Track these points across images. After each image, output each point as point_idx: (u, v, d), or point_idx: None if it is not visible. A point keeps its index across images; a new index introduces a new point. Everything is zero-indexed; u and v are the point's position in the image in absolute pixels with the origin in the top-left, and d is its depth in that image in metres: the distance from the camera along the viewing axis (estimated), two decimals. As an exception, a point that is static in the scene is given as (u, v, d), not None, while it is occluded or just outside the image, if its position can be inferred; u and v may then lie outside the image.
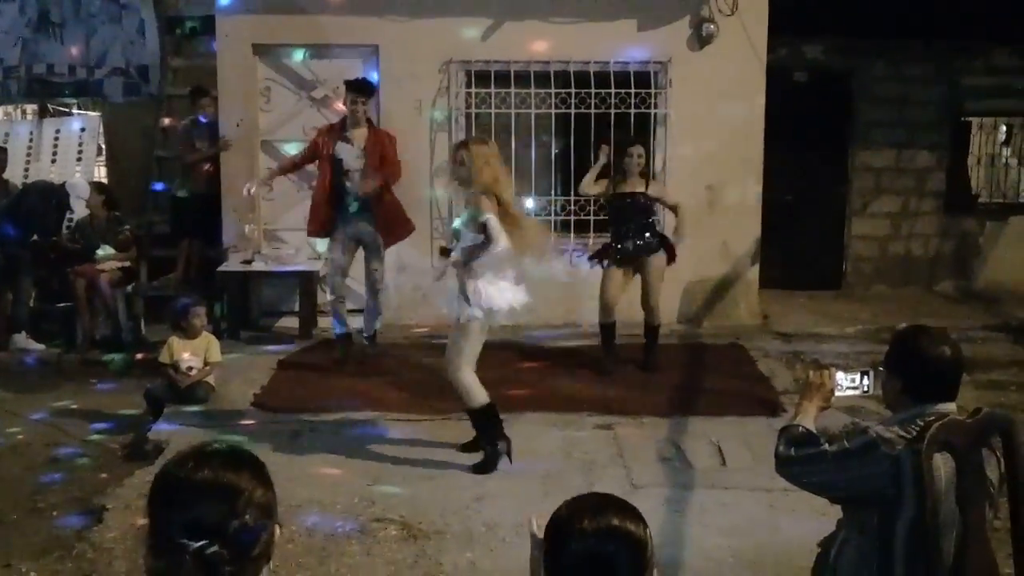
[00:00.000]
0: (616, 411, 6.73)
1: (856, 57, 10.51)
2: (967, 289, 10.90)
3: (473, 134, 8.51)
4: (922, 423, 2.91)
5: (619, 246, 7.56)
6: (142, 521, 5.24)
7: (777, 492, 5.17)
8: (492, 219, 5.68)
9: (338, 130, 7.75)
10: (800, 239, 10.53)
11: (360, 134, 7.69)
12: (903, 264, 10.95)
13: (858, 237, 10.91)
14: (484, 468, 5.85)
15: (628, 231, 7.53)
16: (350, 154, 7.66)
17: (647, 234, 7.61)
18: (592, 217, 8.94)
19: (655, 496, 5.52)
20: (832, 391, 3.32)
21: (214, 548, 1.77)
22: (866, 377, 3.32)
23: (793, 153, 10.18)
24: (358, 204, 7.66)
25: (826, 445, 3.05)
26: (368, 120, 7.76)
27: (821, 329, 9.08)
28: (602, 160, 7.78)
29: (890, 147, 10.75)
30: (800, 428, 3.19)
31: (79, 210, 9.30)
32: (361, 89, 7.71)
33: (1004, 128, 11.20)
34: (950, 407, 3.02)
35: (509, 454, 5.89)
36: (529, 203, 9.18)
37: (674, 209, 7.72)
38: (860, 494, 3.00)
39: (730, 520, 5.23)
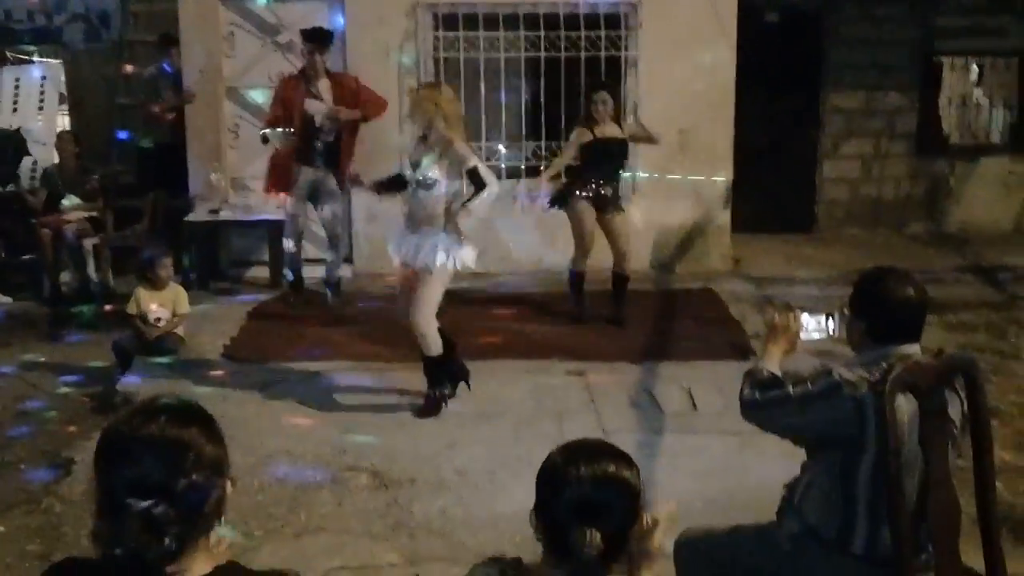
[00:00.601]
0: (587, 357, 6.70)
1: (827, -3, 10.44)
2: (938, 231, 10.93)
3: (432, 78, 8.49)
4: (886, 365, 2.91)
5: (592, 190, 7.34)
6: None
7: (746, 435, 5.14)
8: (480, 164, 5.76)
9: (303, 86, 7.57)
10: (772, 182, 10.50)
11: (324, 86, 7.58)
12: (874, 206, 10.95)
13: (829, 180, 10.90)
14: (428, 412, 5.89)
15: (599, 176, 7.35)
16: (320, 110, 7.55)
17: (617, 184, 7.53)
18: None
19: (626, 441, 5.46)
20: (797, 334, 3.32)
21: (160, 508, 1.73)
22: (832, 320, 3.33)
23: (764, 96, 10.14)
24: (322, 158, 7.61)
25: (790, 388, 3.05)
26: (326, 69, 7.66)
27: (792, 272, 9.11)
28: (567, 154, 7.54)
29: (861, 88, 10.69)
30: (765, 371, 3.20)
31: (40, 156, 9.11)
32: (318, 38, 7.56)
33: (976, 68, 11.15)
34: (914, 348, 3.02)
35: (468, 381, 6.03)
36: (500, 149, 9.11)
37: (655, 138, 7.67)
38: (824, 436, 3.01)
39: (700, 464, 5.26)
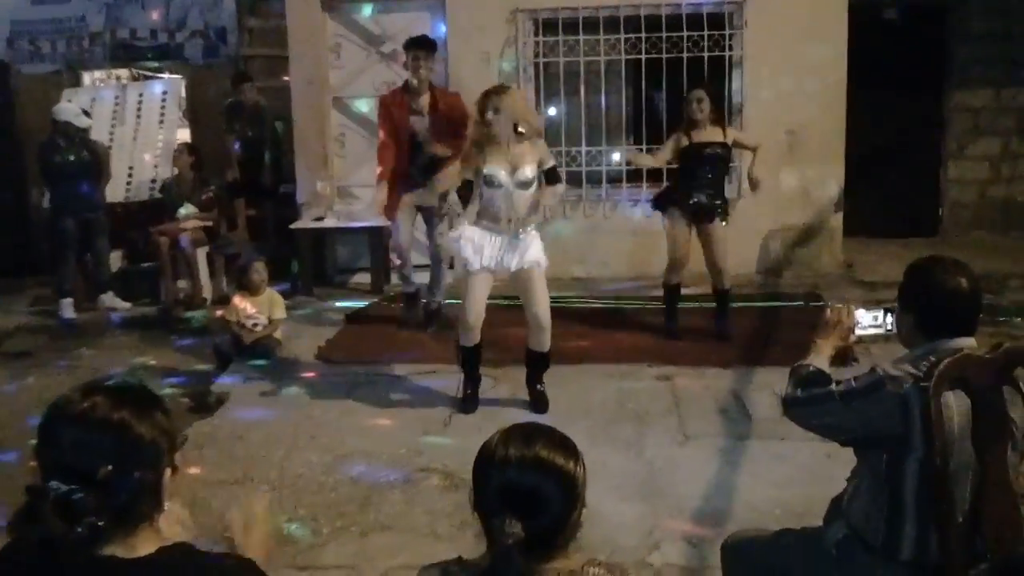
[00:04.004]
0: (677, 362, 6.54)
1: (951, -9, 9.98)
2: (1074, 234, 10.29)
3: (532, 83, 8.43)
4: (934, 359, 2.71)
5: (687, 199, 6.95)
6: (194, 470, 5.40)
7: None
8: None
9: (404, 100, 7.22)
10: (893, 184, 10.12)
11: (425, 100, 7.20)
12: (1004, 209, 10.38)
13: (955, 181, 10.39)
14: (545, 406, 5.93)
15: (700, 183, 6.94)
16: (421, 125, 7.19)
17: (718, 192, 7.04)
18: (664, 166, 8.67)
19: (707, 447, 5.37)
20: (850, 329, 3.14)
21: (78, 495, 1.67)
22: (889, 315, 3.12)
23: (884, 95, 9.77)
24: (422, 175, 7.22)
25: (833, 385, 2.88)
26: (430, 82, 7.26)
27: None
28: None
29: (989, 85, 10.16)
30: (811, 368, 3.03)
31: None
32: (423, 46, 7.22)
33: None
34: (967, 342, 2.81)
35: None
36: (614, 155, 9.04)
37: (754, 151, 7.15)
38: (867, 436, 2.83)
39: (783, 471, 5.05)
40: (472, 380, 6.06)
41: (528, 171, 5.65)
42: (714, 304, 7.26)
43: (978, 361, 2.73)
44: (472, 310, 5.78)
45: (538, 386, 6.02)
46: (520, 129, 5.67)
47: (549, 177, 5.80)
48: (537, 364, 5.99)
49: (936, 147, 10.36)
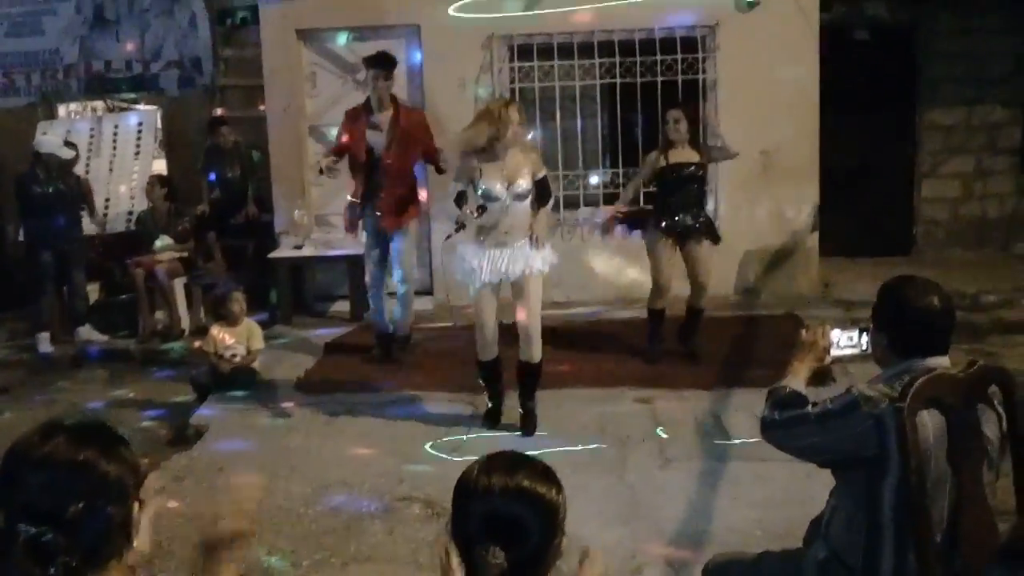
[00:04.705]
0: (657, 385, 6.57)
1: (920, 11, 10.07)
2: (1047, 250, 10.40)
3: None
4: (908, 379, 2.73)
5: (669, 220, 6.96)
6: (172, 503, 5.35)
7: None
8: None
9: (365, 116, 7.21)
10: (867, 204, 10.18)
11: (385, 117, 7.16)
12: (977, 226, 10.48)
13: (928, 199, 10.47)
14: (535, 427, 5.93)
15: (678, 204, 6.96)
16: (379, 141, 7.14)
17: (699, 211, 7.06)
18: (642, 190, 8.71)
19: (688, 469, 5.38)
20: (826, 349, 3.15)
21: (48, 536, 1.66)
22: (864, 334, 3.14)
23: (857, 115, 9.86)
24: (381, 196, 7.15)
25: (809, 406, 2.89)
26: (393, 97, 7.27)
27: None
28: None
29: (960, 104, 10.27)
30: (787, 389, 3.04)
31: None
32: (382, 63, 7.15)
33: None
34: (941, 361, 2.83)
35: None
36: (592, 178, 9.08)
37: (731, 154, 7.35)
38: (844, 456, 2.83)
39: (763, 492, 5.06)
40: (494, 395, 6.09)
41: (523, 183, 5.70)
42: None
43: (952, 380, 2.74)
44: (486, 326, 5.86)
45: (529, 403, 5.99)
46: (506, 142, 5.69)
47: (540, 190, 5.81)
48: (527, 377, 5.96)
49: (909, 166, 10.45)
